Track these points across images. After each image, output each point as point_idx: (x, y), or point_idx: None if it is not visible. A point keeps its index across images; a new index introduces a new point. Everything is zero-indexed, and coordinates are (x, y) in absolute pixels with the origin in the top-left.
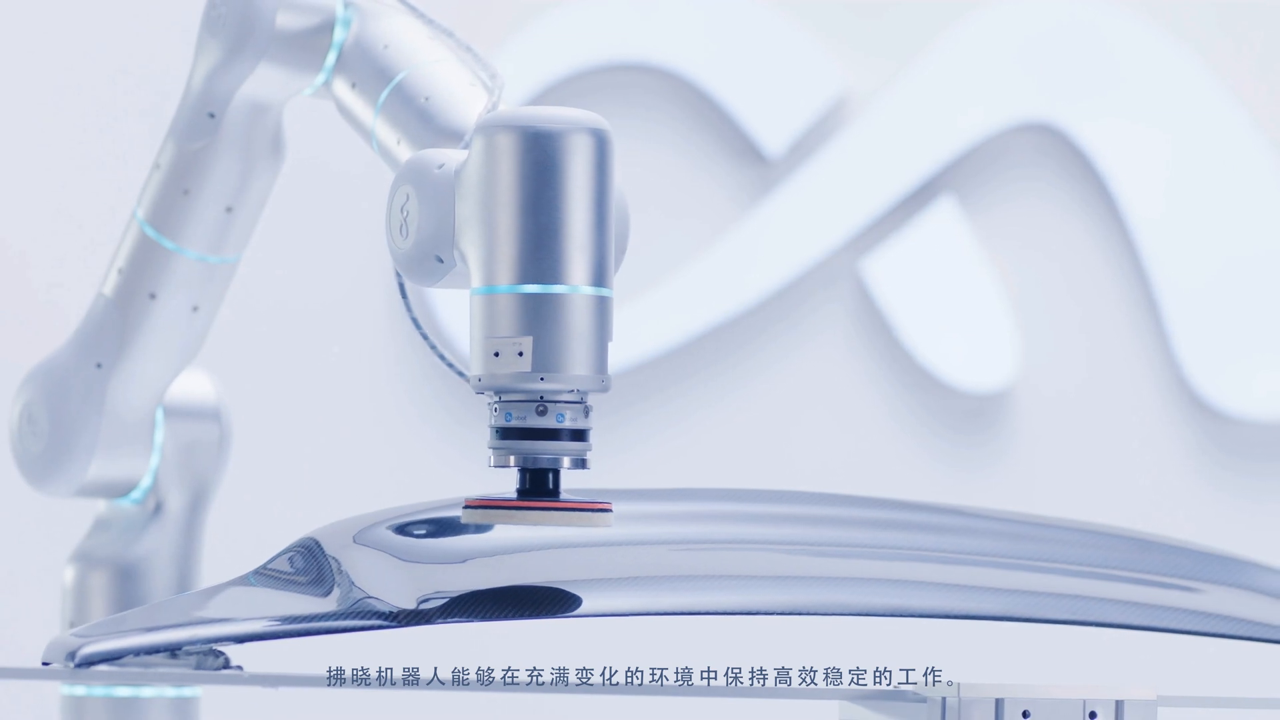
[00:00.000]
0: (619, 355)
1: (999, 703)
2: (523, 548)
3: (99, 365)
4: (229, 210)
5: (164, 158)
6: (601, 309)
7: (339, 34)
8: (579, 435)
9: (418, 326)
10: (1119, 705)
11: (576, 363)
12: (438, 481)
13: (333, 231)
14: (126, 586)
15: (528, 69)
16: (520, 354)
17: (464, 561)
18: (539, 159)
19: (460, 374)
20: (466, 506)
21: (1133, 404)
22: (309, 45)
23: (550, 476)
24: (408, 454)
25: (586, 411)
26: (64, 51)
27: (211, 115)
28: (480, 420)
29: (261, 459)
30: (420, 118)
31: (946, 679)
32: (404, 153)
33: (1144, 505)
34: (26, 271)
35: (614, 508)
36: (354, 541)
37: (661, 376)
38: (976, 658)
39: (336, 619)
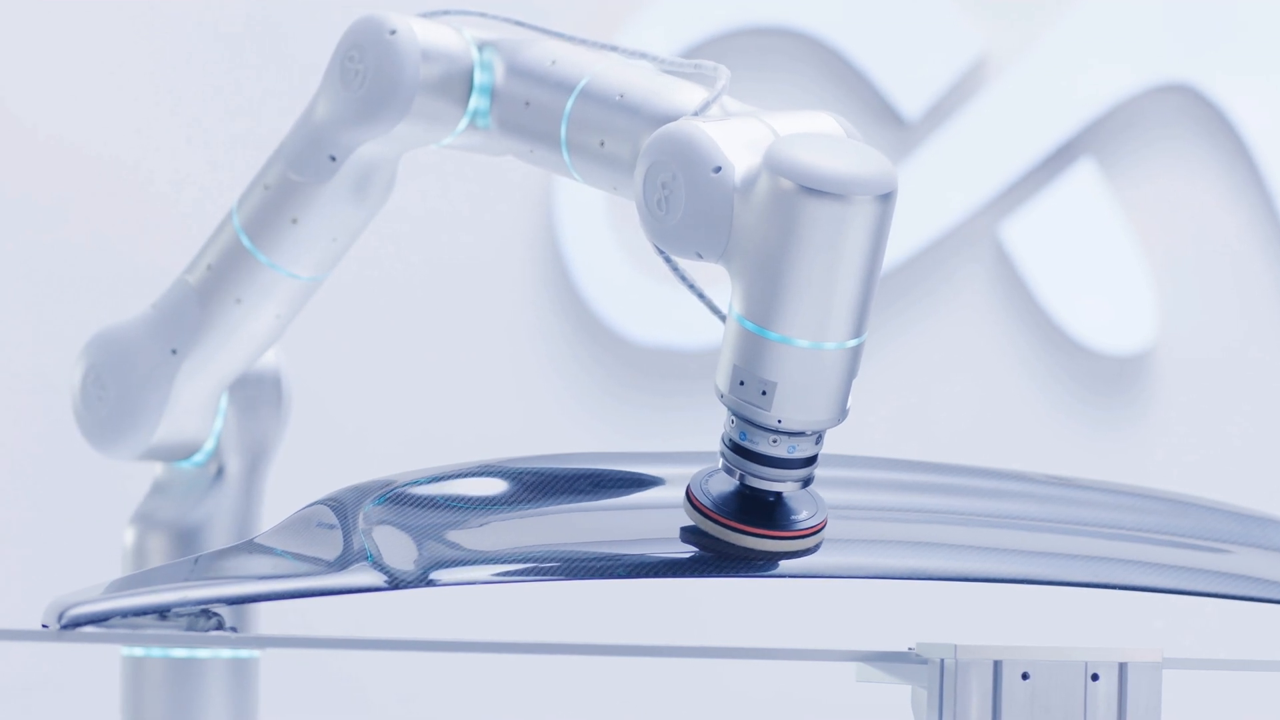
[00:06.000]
0: None
1: (997, 664)
2: (529, 513)
3: (174, 351)
4: (334, 240)
5: (272, 178)
6: (854, 356)
7: (479, 77)
8: (809, 461)
9: (679, 274)
10: (1122, 668)
11: (817, 410)
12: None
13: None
14: (187, 550)
15: (666, 33)
16: (764, 393)
17: (479, 526)
18: (824, 225)
19: (723, 317)
20: (689, 500)
21: (1274, 367)
22: (447, 96)
23: (773, 501)
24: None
25: (819, 439)
26: None
27: (333, 158)
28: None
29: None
30: (624, 112)
31: (947, 640)
32: (615, 149)
33: None
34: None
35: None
36: (369, 503)
37: None
38: (990, 621)
39: (331, 580)
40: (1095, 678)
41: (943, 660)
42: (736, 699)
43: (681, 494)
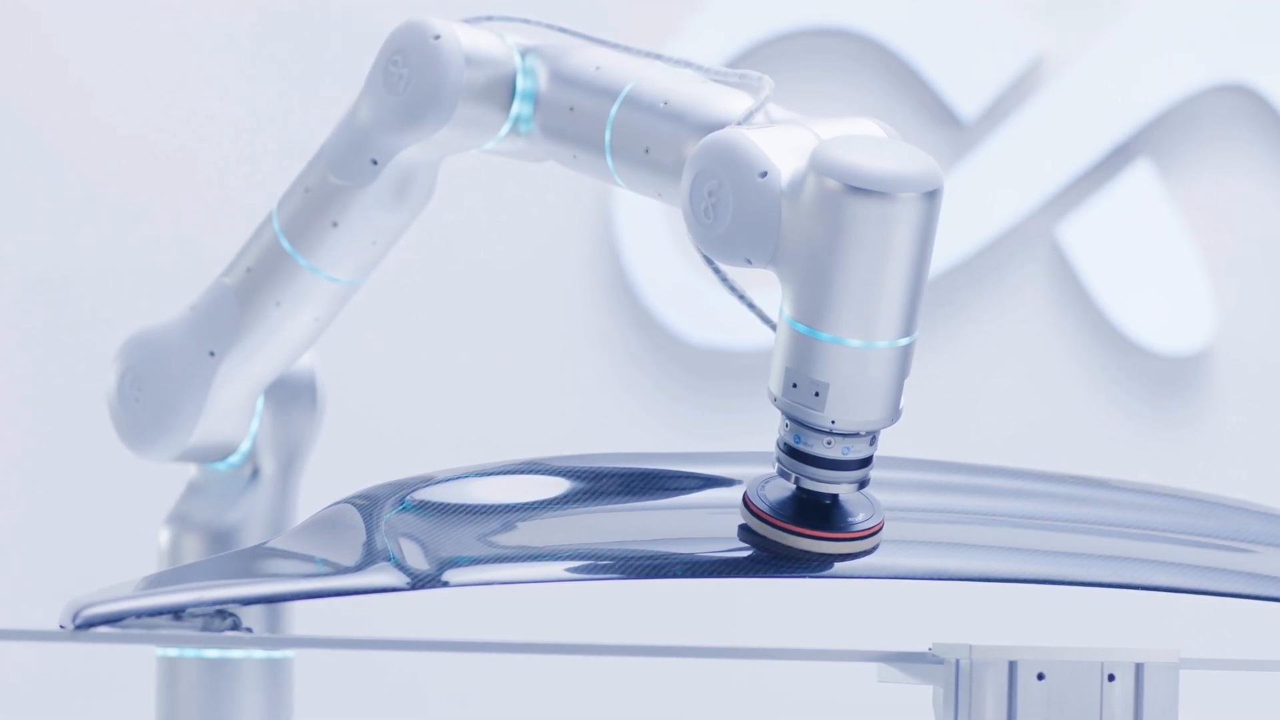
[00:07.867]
0: None
1: (1013, 665)
2: (560, 511)
3: (212, 353)
4: (374, 244)
5: (313, 181)
6: (905, 355)
7: (522, 83)
8: (864, 463)
9: (727, 282)
10: (1139, 668)
11: (870, 410)
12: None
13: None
14: (221, 550)
15: (723, 34)
16: (817, 395)
17: (498, 529)
18: (872, 224)
19: (771, 324)
20: (746, 506)
21: None
22: (490, 102)
23: (829, 503)
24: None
25: (874, 440)
26: None
27: (375, 162)
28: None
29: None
30: (669, 119)
31: (963, 641)
32: (660, 156)
33: None
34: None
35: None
36: (394, 501)
37: None
38: (1013, 621)
39: (350, 580)
40: (1111, 678)
41: (958, 661)
42: (760, 699)
43: (731, 493)
